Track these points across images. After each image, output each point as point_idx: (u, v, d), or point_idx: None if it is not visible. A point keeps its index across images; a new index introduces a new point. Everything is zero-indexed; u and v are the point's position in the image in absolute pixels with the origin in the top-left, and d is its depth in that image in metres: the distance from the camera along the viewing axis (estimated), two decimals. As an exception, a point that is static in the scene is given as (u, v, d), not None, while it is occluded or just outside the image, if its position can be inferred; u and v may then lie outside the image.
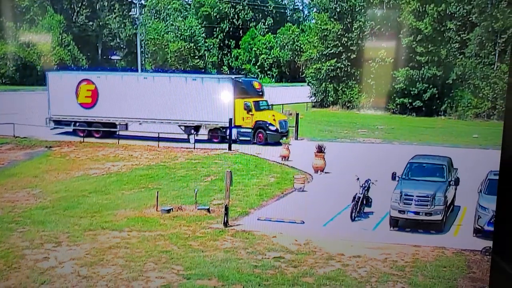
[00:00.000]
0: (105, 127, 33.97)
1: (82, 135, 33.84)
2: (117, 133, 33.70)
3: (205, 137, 32.93)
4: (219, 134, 32.67)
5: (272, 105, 35.79)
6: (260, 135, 32.36)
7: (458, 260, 14.64)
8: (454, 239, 16.52)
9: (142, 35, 68.27)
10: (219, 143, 31.95)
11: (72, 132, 34.70)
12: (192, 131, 32.97)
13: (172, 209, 18.74)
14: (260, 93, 34.08)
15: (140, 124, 34.04)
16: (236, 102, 32.31)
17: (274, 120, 32.36)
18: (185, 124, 33.10)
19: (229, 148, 30.89)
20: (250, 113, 32.35)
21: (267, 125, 32.22)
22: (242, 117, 32.44)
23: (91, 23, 72.97)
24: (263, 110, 33.05)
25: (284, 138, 31.58)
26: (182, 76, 35.35)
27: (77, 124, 34.54)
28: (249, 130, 32.32)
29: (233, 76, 34.83)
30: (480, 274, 13.51)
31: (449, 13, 48.95)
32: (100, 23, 73.49)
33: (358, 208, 18.19)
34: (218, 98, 32.19)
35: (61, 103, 34.56)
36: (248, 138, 32.20)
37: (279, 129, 32.26)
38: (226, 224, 17.24)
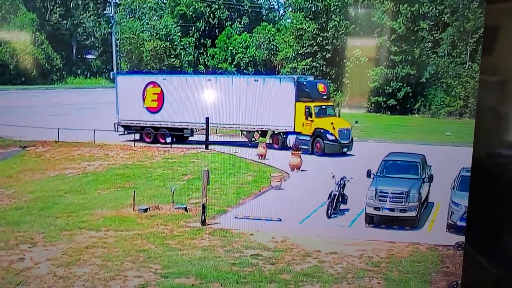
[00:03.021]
0: (171, 132, 32.78)
1: (148, 140, 33.09)
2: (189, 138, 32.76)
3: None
4: (280, 140, 30.41)
5: (339, 110, 32.82)
6: (317, 144, 29.12)
7: (432, 255, 14.87)
8: (428, 235, 16.76)
9: (117, 34, 67.67)
10: (280, 149, 29.60)
11: (140, 137, 33.64)
12: (257, 135, 31.48)
13: (149, 208, 18.69)
14: (325, 97, 30.77)
15: (204, 129, 33.01)
16: (297, 106, 29.68)
17: (333, 128, 28.78)
18: (246, 129, 31.59)
19: (206, 147, 30.80)
20: (310, 118, 29.32)
21: (325, 133, 28.89)
22: (302, 122, 29.54)
23: (65, 21, 72.15)
24: (328, 116, 29.85)
25: (261, 138, 31.16)
26: (244, 77, 34.22)
27: (145, 129, 33.48)
28: (308, 138, 29.27)
29: (295, 76, 32.27)
30: (453, 269, 13.74)
31: (422, 13, 49.54)
32: (74, 22, 72.71)
33: (334, 205, 18.32)
34: (279, 101, 30.00)
35: (129, 108, 33.61)
36: (306, 147, 28.99)
37: (339, 139, 28.79)
38: (203, 222, 17.24)
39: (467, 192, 4.21)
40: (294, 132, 29.63)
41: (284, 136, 30.01)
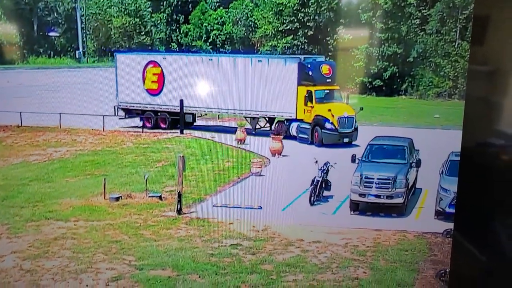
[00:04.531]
0: (171, 117, 32.20)
1: (149, 125, 32.59)
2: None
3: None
4: (283, 129, 29.15)
5: (348, 95, 30.88)
6: (316, 133, 27.93)
7: (420, 243, 15.20)
8: (415, 222, 17.08)
9: (82, 10, 66.86)
10: (285, 138, 27.71)
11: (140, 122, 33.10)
12: (263, 122, 30.55)
13: (121, 196, 18.76)
14: (329, 80, 29.22)
15: (205, 114, 32.73)
16: (299, 90, 28.66)
17: (332, 115, 27.51)
18: (249, 115, 30.60)
19: (181, 132, 30.79)
20: (310, 104, 28.27)
21: (324, 121, 27.64)
22: (304, 109, 28.53)
23: (24, -5, 70.84)
24: (332, 102, 28.54)
25: (240, 121, 30.78)
26: (247, 57, 32.69)
27: (145, 113, 32.87)
28: (308, 126, 28.26)
29: (302, 57, 30.74)
30: (442, 257, 14.07)
31: (410, -13, 49.71)
32: (35, -4, 71.46)
33: (317, 192, 18.53)
34: (282, 84, 29.00)
35: (129, 89, 33.02)
36: (306, 136, 28.20)
37: (338, 127, 27.55)
38: (179, 211, 17.37)
39: (456, 177, 4.35)
40: (296, 120, 28.89)
41: (287, 123, 29.26)
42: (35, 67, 63.82)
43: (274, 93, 29.09)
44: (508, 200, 3.87)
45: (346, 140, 27.42)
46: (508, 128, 3.89)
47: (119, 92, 33.62)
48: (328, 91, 29.02)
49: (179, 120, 31.90)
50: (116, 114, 33.54)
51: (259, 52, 56.30)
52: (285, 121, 29.45)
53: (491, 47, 3.89)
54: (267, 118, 30.80)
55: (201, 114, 33.38)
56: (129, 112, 33.55)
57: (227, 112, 31.85)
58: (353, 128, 27.82)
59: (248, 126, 30.23)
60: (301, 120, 28.65)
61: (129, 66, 33.51)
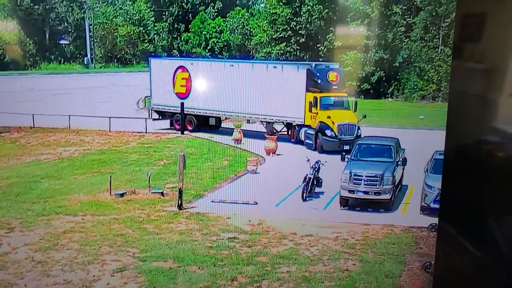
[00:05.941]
0: (198, 120, 31.69)
1: (178, 127, 32.03)
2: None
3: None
4: (295, 133, 28.05)
5: (356, 102, 28.78)
6: (318, 140, 26.40)
7: (406, 236, 15.13)
8: (402, 217, 17.02)
9: (90, 19, 66.79)
10: (294, 143, 27.71)
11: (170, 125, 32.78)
12: (280, 127, 29.39)
13: (125, 193, 18.68)
14: (335, 87, 27.70)
15: (226, 118, 32.29)
16: (307, 96, 27.30)
17: (332, 122, 26.05)
18: (265, 120, 29.25)
19: (182, 132, 30.69)
20: (315, 110, 26.89)
21: (325, 128, 26.21)
22: (310, 115, 27.26)
23: (36, 6, 70.70)
24: (337, 109, 26.97)
25: (237, 123, 30.37)
26: (264, 63, 31.89)
27: (174, 115, 32.37)
28: (313, 132, 26.82)
29: (313, 64, 29.36)
30: (427, 250, 14.02)
31: (395, -2, 49.71)
32: (47, 7, 71.30)
33: (309, 188, 18.49)
34: (293, 90, 27.74)
35: (161, 92, 32.65)
36: (311, 142, 26.74)
37: (338, 134, 26.01)
38: (180, 207, 17.31)
39: (440, 174, 4.30)
40: (305, 125, 27.55)
41: (298, 128, 27.95)
42: (46, 73, 63.74)
43: (286, 99, 28.08)
44: (489, 195, 3.83)
45: (346, 147, 25.07)
46: (489, 128, 3.83)
47: (152, 95, 33.28)
48: (333, 98, 27.45)
49: (205, 122, 31.79)
50: (150, 116, 33.14)
51: (254, 58, 56.18)
52: (296, 126, 28.26)
53: (473, 51, 3.83)
54: (284, 123, 29.44)
55: (225, 118, 32.76)
56: (162, 114, 33.23)
57: (244, 116, 30.51)
58: (354, 136, 25.88)
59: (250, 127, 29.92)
60: (308, 126, 27.40)
61: (161, 71, 33.10)
